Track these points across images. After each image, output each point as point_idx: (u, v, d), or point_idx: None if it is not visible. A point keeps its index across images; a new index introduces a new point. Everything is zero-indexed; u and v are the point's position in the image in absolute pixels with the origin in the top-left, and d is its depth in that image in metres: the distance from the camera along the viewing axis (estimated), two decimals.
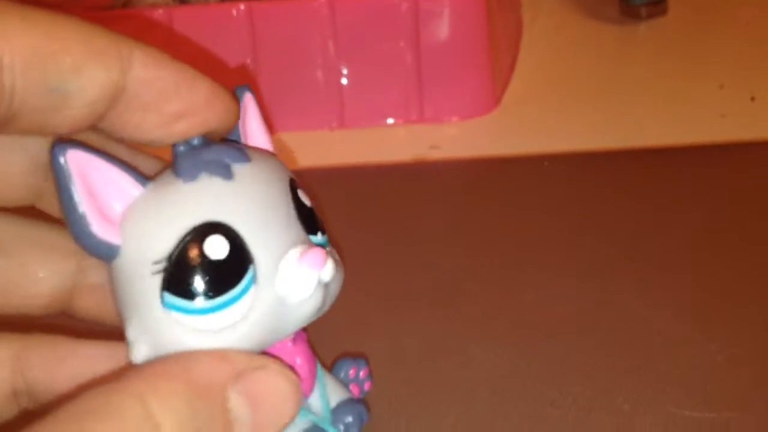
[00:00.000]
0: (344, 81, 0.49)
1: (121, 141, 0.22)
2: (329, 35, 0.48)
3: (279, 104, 0.49)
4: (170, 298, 0.21)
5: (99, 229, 0.21)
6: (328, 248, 0.23)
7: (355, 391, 0.28)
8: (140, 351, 0.21)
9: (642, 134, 0.47)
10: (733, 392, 0.29)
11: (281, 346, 0.23)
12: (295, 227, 0.22)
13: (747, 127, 0.47)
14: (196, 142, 0.22)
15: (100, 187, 0.21)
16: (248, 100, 0.25)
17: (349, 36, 0.49)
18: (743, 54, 0.55)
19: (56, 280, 0.24)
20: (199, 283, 0.21)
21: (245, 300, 0.21)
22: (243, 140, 0.24)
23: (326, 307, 0.23)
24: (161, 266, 0.21)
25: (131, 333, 0.21)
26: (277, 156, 0.24)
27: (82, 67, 0.20)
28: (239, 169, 0.22)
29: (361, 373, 0.28)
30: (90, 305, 0.24)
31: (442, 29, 0.49)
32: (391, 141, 0.48)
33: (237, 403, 0.19)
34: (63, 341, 0.24)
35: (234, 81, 0.47)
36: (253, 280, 0.21)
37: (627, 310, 0.33)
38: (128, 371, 0.19)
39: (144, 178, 0.22)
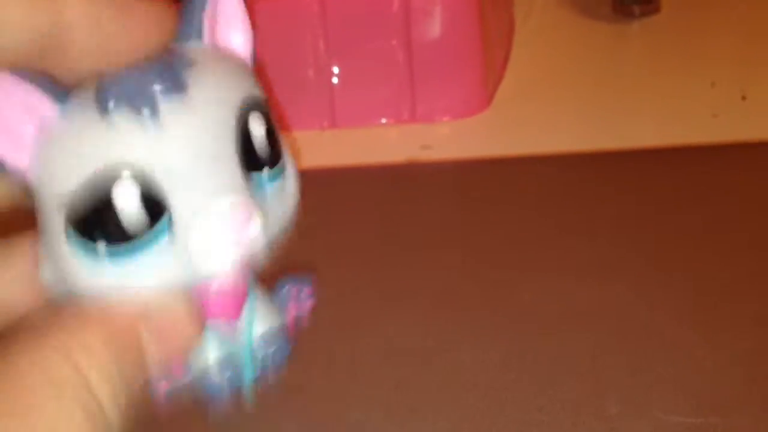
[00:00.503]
0: (335, 80, 0.49)
1: None
2: (320, 34, 0.48)
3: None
4: (74, 234, 0.19)
5: (4, 151, 0.19)
6: (273, 185, 0.21)
7: (293, 309, 0.25)
8: (44, 272, 0.20)
9: (635, 134, 0.47)
10: (720, 397, 0.29)
11: None
12: (230, 170, 0.20)
13: (738, 127, 0.47)
14: None
15: (6, 107, 0.19)
16: None
17: (340, 34, 0.48)
18: (735, 52, 0.55)
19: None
20: (103, 228, 0.19)
21: (156, 250, 0.19)
22: (206, 38, 0.22)
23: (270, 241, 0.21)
24: (66, 202, 0.19)
25: (41, 248, 0.20)
26: (240, 63, 0.22)
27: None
28: (170, 103, 0.19)
29: (303, 293, 0.25)
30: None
31: (434, 27, 0.49)
32: (383, 141, 0.48)
33: (149, 342, 0.19)
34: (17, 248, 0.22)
35: None
36: (168, 229, 0.19)
37: (616, 312, 0.33)
38: (39, 316, 0.19)
39: (64, 92, 0.19)
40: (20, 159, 0.19)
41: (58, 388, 0.17)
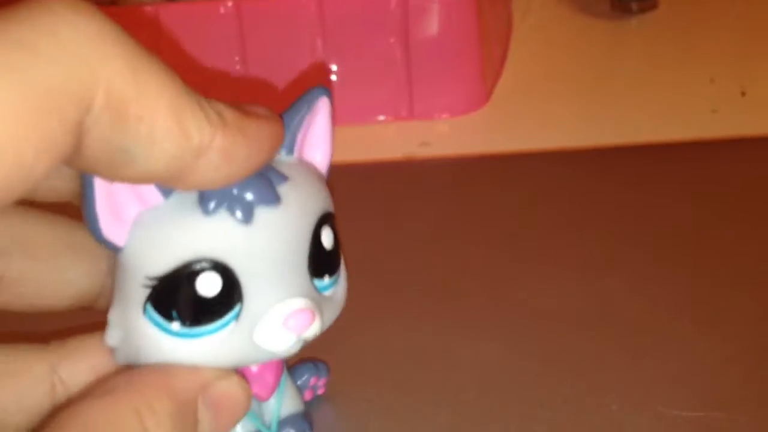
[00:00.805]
0: (333, 78, 0.49)
1: None
2: (318, 32, 0.48)
3: (267, 102, 0.49)
4: (152, 311, 0.21)
5: (106, 227, 0.21)
6: (329, 292, 0.23)
7: (308, 395, 0.29)
8: (113, 337, 0.22)
9: (634, 130, 0.46)
10: (722, 391, 0.29)
11: None
12: (301, 275, 0.22)
13: (737, 123, 0.47)
14: None
15: (119, 189, 0.21)
16: (322, 105, 0.24)
17: (337, 33, 0.48)
18: (734, 48, 0.55)
19: (85, 281, 0.24)
20: (181, 311, 0.21)
21: (221, 334, 0.21)
22: (296, 152, 0.23)
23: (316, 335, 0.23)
24: (152, 283, 0.21)
25: (112, 316, 0.22)
26: (321, 179, 0.24)
27: (157, 139, 0.18)
28: (262, 212, 0.21)
29: (321, 381, 0.29)
30: None
31: (432, 25, 0.49)
32: (381, 138, 0.48)
33: (204, 413, 0.21)
34: (90, 343, 0.24)
35: (307, 78, 0.47)
36: (236, 317, 0.22)
37: (618, 309, 0.33)
38: (115, 380, 0.20)
39: (170, 189, 0.21)
40: (120, 237, 0.21)
41: None
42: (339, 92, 0.49)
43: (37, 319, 0.24)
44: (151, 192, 0.21)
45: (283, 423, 0.26)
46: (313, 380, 0.29)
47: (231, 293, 0.21)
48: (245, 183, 0.21)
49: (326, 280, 0.23)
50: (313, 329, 0.22)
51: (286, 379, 0.26)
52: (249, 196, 0.21)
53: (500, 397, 0.29)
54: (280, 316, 0.22)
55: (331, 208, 0.23)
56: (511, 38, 0.57)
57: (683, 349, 0.31)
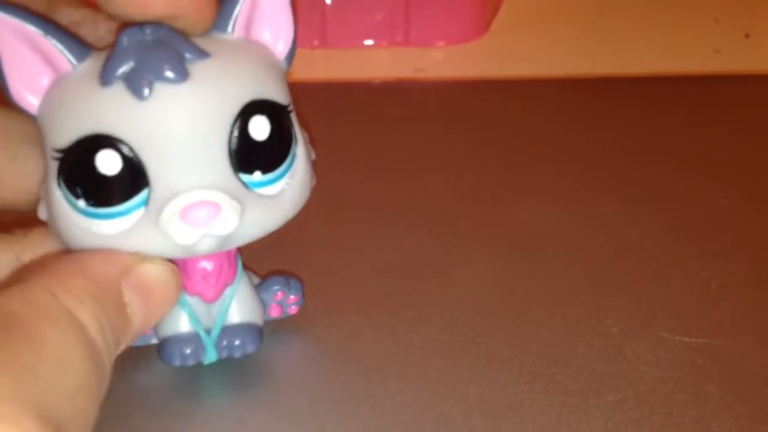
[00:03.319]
0: (328, 1, 0.47)
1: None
2: None
3: None
4: (63, 185, 0.21)
5: (17, 95, 0.21)
6: (265, 189, 0.22)
7: (275, 311, 0.27)
8: (42, 210, 0.22)
9: (635, 62, 0.45)
10: (724, 318, 0.28)
11: None
12: (217, 165, 0.21)
13: (740, 63, 0.45)
14: (148, 32, 0.20)
15: (27, 57, 0.21)
16: None
17: None
18: None
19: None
20: (84, 188, 0.20)
21: (129, 219, 0.21)
22: (238, 30, 0.22)
23: (259, 233, 0.22)
24: (59, 156, 0.21)
25: (41, 189, 0.22)
26: (265, 63, 0.22)
27: None
28: (164, 88, 0.20)
29: (290, 298, 0.27)
30: None
31: None
32: (374, 63, 0.47)
33: (130, 296, 0.20)
34: None
35: None
36: (145, 204, 0.20)
37: (619, 234, 0.32)
38: (29, 268, 0.21)
39: (84, 49, 0.21)
40: (32, 104, 0.21)
41: (51, 321, 0.17)
42: (334, 15, 0.47)
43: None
44: (61, 59, 0.21)
45: (227, 330, 0.25)
46: (279, 295, 0.27)
47: (135, 175, 0.20)
48: (155, 54, 0.20)
49: (258, 175, 0.21)
50: (222, 225, 0.20)
51: (239, 286, 0.25)
52: (154, 69, 0.20)
53: (496, 316, 0.28)
54: (178, 207, 0.20)
55: (276, 97, 0.22)
56: None
57: (685, 276, 0.30)
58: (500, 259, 0.30)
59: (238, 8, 0.22)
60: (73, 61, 0.21)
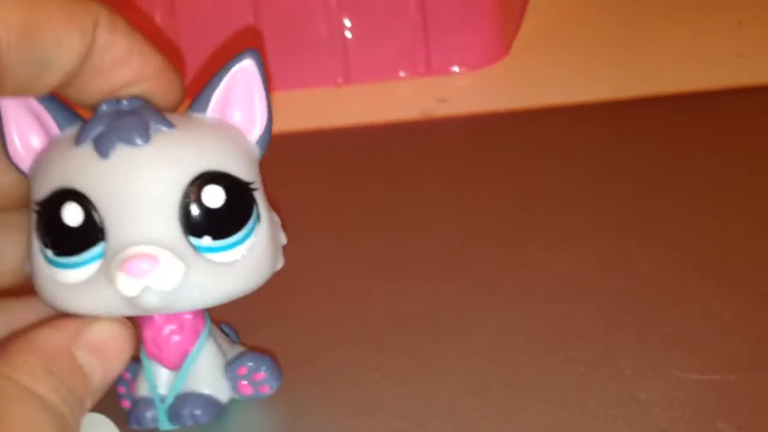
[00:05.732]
0: (348, 34, 0.48)
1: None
2: None
3: (282, 62, 0.48)
4: (37, 236, 0.23)
5: (14, 154, 0.24)
6: (217, 255, 0.23)
7: (245, 389, 0.26)
8: (26, 265, 0.24)
9: (657, 78, 0.45)
10: (737, 352, 0.28)
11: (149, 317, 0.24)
12: (166, 225, 0.22)
13: (765, 67, 0.45)
14: (125, 103, 0.23)
15: (24, 121, 0.24)
16: (244, 68, 0.24)
17: None
18: None
19: (21, 256, 0.25)
20: (51, 237, 0.23)
21: (87, 269, 0.23)
22: (213, 111, 0.24)
23: (201, 303, 0.23)
24: (37, 209, 0.23)
25: (28, 243, 0.24)
26: (229, 140, 0.24)
27: (62, 38, 0.21)
28: (125, 150, 0.22)
29: (258, 375, 0.26)
30: None
31: None
32: (398, 95, 0.48)
33: (84, 357, 0.22)
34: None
35: (240, 42, 0.46)
36: (102, 256, 0.22)
37: (632, 268, 0.32)
38: None
39: (73, 116, 0.24)
40: (26, 163, 0.24)
41: (13, 400, 0.19)
42: (354, 49, 0.48)
43: None
44: (50, 123, 0.24)
45: (183, 398, 0.25)
46: (242, 370, 0.26)
47: (94, 228, 0.22)
48: (124, 119, 0.22)
49: (207, 240, 0.23)
50: (161, 279, 0.22)
51: (200, 354, 0.25)
52: (113, 131, 0.22)
53: (513, 362, 0.29)
54: (121, 258, 0.22)
55: (237, 172, 0.23)
56: None
57: (698, 310, 0.30)
58: (514, 304, 0.31)
59: (217, 92, 0.24)
60: (62, 125, 0.24)
